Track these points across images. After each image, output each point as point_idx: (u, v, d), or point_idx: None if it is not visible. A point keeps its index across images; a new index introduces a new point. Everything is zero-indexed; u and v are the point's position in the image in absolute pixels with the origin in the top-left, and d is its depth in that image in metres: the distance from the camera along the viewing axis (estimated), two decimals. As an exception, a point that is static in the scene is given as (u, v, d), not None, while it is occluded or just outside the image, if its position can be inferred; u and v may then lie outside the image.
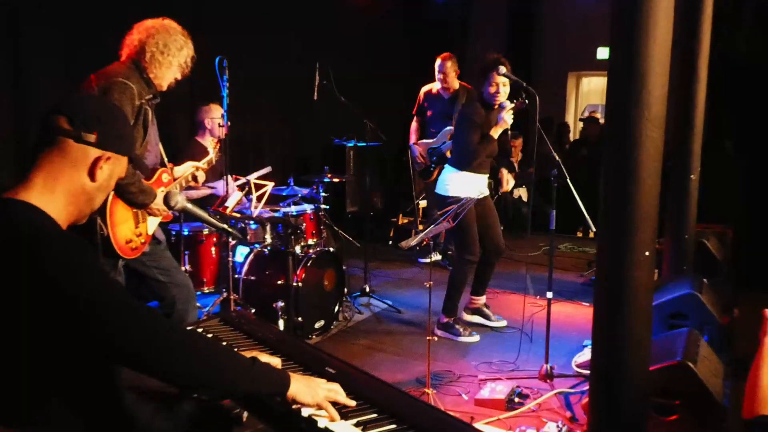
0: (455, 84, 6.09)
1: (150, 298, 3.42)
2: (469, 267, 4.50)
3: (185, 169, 3.57)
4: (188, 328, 2.12)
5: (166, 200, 2.33)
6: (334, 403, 1.75)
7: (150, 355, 1.54)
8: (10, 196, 1.58)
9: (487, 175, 4.59)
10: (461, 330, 4.49)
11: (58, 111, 1.62)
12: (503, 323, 4.74)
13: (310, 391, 1.73)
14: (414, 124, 6.27)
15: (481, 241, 4.50)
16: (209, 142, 4.91)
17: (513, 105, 4.33)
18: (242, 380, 1.65)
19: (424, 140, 6.14)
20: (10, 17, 4.18)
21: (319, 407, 1.73)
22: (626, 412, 2.51)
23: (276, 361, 1.94)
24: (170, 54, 3.12)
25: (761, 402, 2.20)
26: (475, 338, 4.49)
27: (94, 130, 1.62)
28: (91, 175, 1.63)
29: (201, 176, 3.62)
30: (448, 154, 5.97)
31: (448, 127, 5.84)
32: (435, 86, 6.20)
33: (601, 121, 9.70)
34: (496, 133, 4.35)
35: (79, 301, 1.47)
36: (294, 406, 1.73)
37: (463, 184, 4.42)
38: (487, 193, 4.58)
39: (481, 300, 4.82)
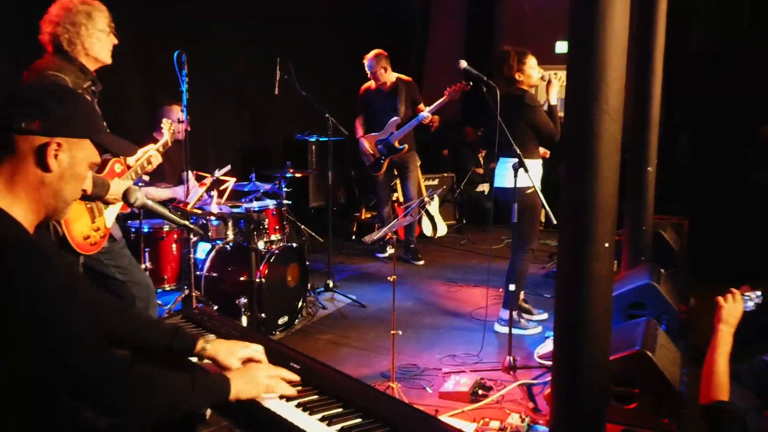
0: (391, 78, 6.21)
1: None
2: (525, 257, 4.42)
3: (139, 154, 3.42)
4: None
5: (126, 197, 2.28)
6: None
7: (96, 391, 1.51)
8: None
9: (541, 161, 4.59)
10: (523, 323, 4.45)
11: (1, 106, 1.55)
12: (545, 315, 4.70)
13: (253, 384, 1.74)
14: (358, 121, 6.37)
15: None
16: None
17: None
18: (186, 403, 1.63)
19: (372, 133, 6.26)
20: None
21: (267, 393, 1.76)
22: (587, 401, 2.54)
23: (262, 355, 1.94)
24: (83, 28, 2.97)
25: (717, 387, 2.27)
26: (538, 329, 4.47)
27: (36, 118, 1.53)
28: (44, 165, 1.54)
29: (156, 159, 3.47)
30: (397, 145, 6.07)
31: (394, 118, 6.07)
32: (373, 83, 6.30)
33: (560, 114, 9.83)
34: (553, 99, 4.44)
35: (28, 323, 1.43)
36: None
37: (533, 173, 4.19)
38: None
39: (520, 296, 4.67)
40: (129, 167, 3.36)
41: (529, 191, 4.13)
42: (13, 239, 1.49)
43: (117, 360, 1.59)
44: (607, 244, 2.42)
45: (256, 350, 1.93)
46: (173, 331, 1.98)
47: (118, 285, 3.26)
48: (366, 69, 6.18)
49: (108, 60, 3.10)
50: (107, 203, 3.15)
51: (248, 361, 1.90)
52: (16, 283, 1.43)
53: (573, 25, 2.46)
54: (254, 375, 1.77)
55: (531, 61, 4.48)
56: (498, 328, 4.45)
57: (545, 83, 4.52)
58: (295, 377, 1.83)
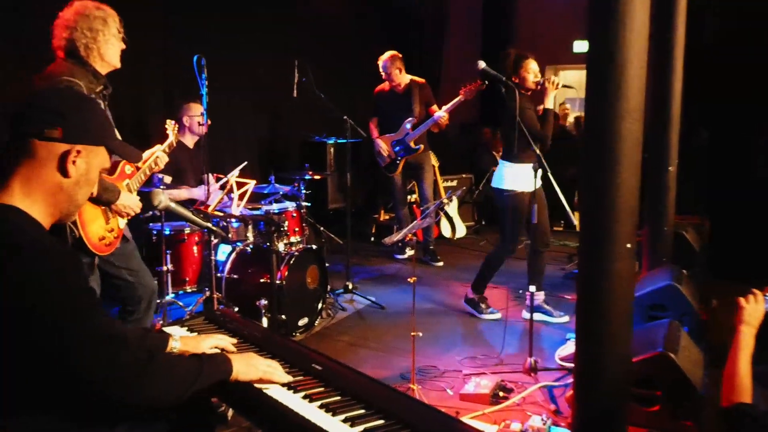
0: (404, 79, 6.24)
1: (115, 300, 3.38)
2: (506, 255, 4.70)
3: (146, 155, 3.51)
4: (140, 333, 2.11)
5: (149, 200, 2.31)
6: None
7: (108, 384, 1.54)
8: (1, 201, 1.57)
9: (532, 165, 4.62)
10: (483, 308, 4.81)
11: (21, 112, 1.60)
12: (566, 318, 4.76)
13: (251, 369, 1.84)
14: (372, 123, 6.39)
15: (532, 232, 4.57)
16: (189, 140, 4.88)
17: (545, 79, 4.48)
18: (195, 384, 1.70)
19: (387, 134, 6.27)
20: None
21: (262, 380, 1.84)
22: (609, 403, 2.53)
23: (229, 345, 2.07)
24: (100, 34, 3.03)
25: (738, 390, 2.24)
26: (497, 315, 4.73)
27: (58, 126, 1.58)
28: (63, 171, 1.60)
29: (163, 159, 3.55)
30: (413, 145, 6.10)
31: (410, 119, 6.12)
32: (387, 84, 6.32)
33: (577, 114, 9.79)
34: (549, 103, 4.49)
35: (41, 317, 1.47)
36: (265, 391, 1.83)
37: (518, 177, 4.52)
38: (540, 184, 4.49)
39: (541, 296, 4.79)
40: (138, 168, 3.42)
41: (509, 194, 4.46)
42: (33, 237, 1.54)
43: (136, 354, 1.64)
44: (628, 245, 2.40)
45: (221, 339, 2.08)
46: (143, 333, 2.06)
47: (127, 286, 3.30)
48: (381, 70, 6.21)
49: (118, 64, 3.16)
50: (116, 212, 3.18)
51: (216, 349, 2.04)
52: (38, 280, 1.47)
53: (592, 23, 2.45)
54: (253, 361, 1.87)
55: (530, 65, 4.55)
56: (463, 305, 4.91)
57: (550, 86, 4.49)
58: (288, 378, 1.90)
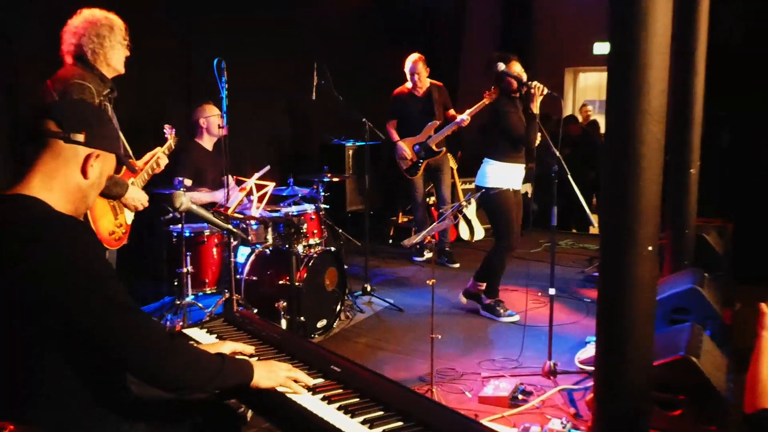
0: (427, 83, 6.25)
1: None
2: (505, 252, 4.76)
3: (147, 157, 3.70)
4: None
5: (171, 202, 2.34)
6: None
7: (139, 355, 1.62)
8: (18, 192, 1.65)
9: (524, 165, 4.75)
10: (501, 311, 4.80)
11: (46, 114, 1.70)
12: (516, 318, 4.85)
13: (272, 375, 1.84)
14: (390, 125, 6.38)
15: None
16: (207, 142, 4.90)
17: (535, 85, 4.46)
18: (216, 378, 1.74)
19: (409, 137, 6.26)
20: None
21: (281, 387, 1.85)
22: (630, 407, 2.51)
23: (248, 349, 2.07)
24: (107, 40, 3.20)
25: (762, 395, 2.20)
26: (515, 317, 4.75)
27: (82, 131, 1.70)
28: (84, 172, 1.71)
29: (163, 160, 3.74)
30: (435, 148, 6.11)
31: (432, 121, 6.14)
32: (407, 84, 6.31)
33: (595, 116, 9.72)
34: (535, 108, 4.46)
35: (79, 291, 1.55)
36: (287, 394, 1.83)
37: (503, 175, 4.63)
38: (521, 185, 4.77)
39: (483, 286, 4.99)
40: (141, 169, 3.59)
41: (495, 191, 4.56)
42: (57, 215, 1.64)
43: (161, 330, 1.73)
44: (650, 248, 2.38)
45: (239, 345, 2.09)
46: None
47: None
48: (406, 72, 6.20)
49: (123, 70, 3.32)
50: (125, 206, 3.34)
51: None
52: (64, 262, 1.55)
53: (613, 24, 2.43)
54: (275, 368, 1.88)
55: (514, 67, 4.58)
56: (482, 312, 4.89)
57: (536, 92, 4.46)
58: (312, 381, 1.90)
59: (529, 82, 4.44)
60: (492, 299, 4.86)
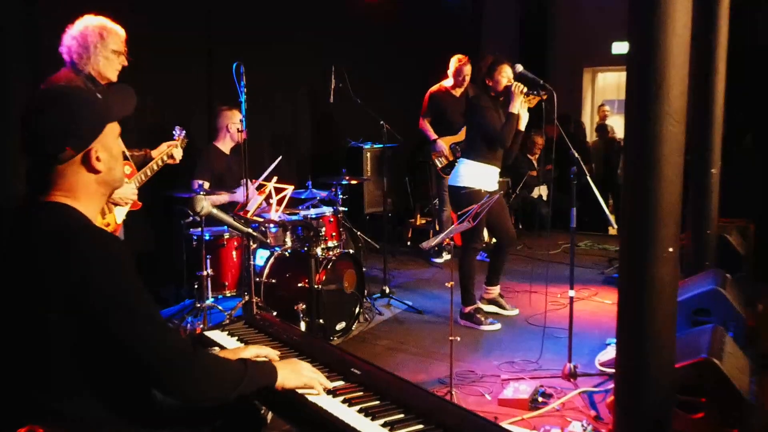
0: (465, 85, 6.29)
1: None
2: (474, 254, 4.74)
3: (160, 151, 3.75)
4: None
5: (193, 206, 2.36)
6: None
7: (163, 370, 1.62)
8: (51, 200, 1.64)
9: (499, 169, 4.70)
10: (482, 319, 4.68)
11: (28, 148, 1.64)
12: (516, 311, 4.94)
13: (297, 375, 1.85)
14: (425, 123, 6.34)
15: (494, 233, 4.79)
16: (226, 146, 4.94)
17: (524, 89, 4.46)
18: (240, 386, 1.73)
19: (447, 136, 6.23)
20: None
21: (306, 387, 1.85)
22: (652, 409, 2.49)
23: (273, 353, 2.04)
24: (92, 48, 3.23)
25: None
26: (496, 326, 4.65)
27: (65, 146, 1.62)
28: (92, 170, 1.67)
29: (178, 154, 3.83)
30: None
31: None
32: (446, 83, 6.30)
33: (613, 116, 9.67)
34: (514, 108, 4.45)
35: (110, 301, 1.55)
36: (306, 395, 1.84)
37: (476, 175, 4.58)
38: (497, 187, 4.71)
39: (496, 290, 4.97)
40: (146, 165, 3.64)
41: (468, 191, 4.51)
42: (83, 226, 1.63)
43: (184, 343, 1.71)
44: (671, 249, 2.37)
45: (262, 348, 2.07)
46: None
47: None
48: (450, 72, 6.19)
49: (113, 78, 3.34)
50: (115, 204, 3.37)
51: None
52: (96, 267, 1.55)
53: (633, 24, 2.42)
54: (298, 368, 1.88)
55: (504, 71, 4.55)
56: (459, 321, 4.72)
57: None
58: (330, 384, 1.90)
59: (509, 84, 4.47)
60: (470, 307, 4.71)
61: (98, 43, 3.24)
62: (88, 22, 3.26)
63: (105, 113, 1.73)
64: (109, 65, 3.30)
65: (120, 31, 3.34)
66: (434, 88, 6.37)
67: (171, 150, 3.79)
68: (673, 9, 2.29)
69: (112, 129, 1.73)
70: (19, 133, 1.65)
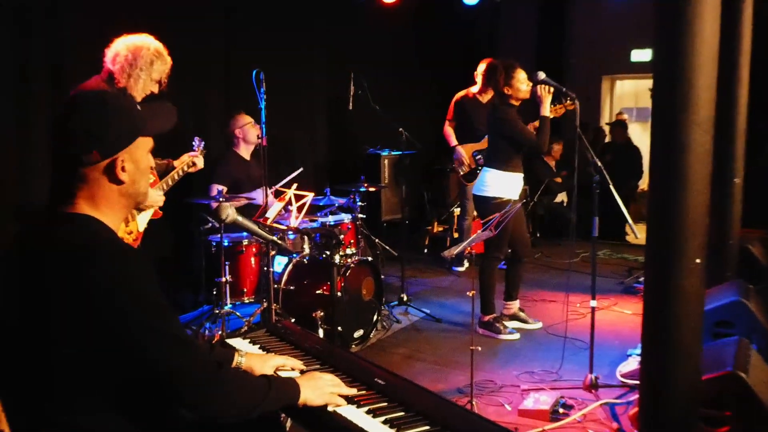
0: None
1: None
2: (496, 263, 4.68)
3: (182, 161, 3.81)
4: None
5: (217, 214, 2.36)
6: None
7: (188, 388, 1.60)
8: (75, 212, 1.63)
9: (522, 174, 4.68)
10: (501, 328, 4.64)
11: (55, 149, 1.65)
12: (539, 325, 4.85)
13: (319, 392, 1.83)
14: (449, 129, 6.23)
15: (511, 242, 4.64)
16: (244, 151, 4.96)
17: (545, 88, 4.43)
18: (263, 404, 1.72)
19: (468, 143, 6.11)
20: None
21: (328, 404, 1.83)
22: (676, 422, 2.46)
23: (298, 364, 2.05)
24: (138, 68, 3.25)
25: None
26: (515, 336, 4.61)
27: (93, 149, 1.60)
28: (116, 181, 1.64)
29: (200, 162, 3.91)
30: None
31: None
32: (472, 90, 6.19)
33: (631, 124, 9.60)
34: (545, 111, 4.43)
35: (129, 321, 1.53)
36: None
37: (504, 184, 4.54)
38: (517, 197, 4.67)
39: (515, 305, 4.89)
40: (168, 173, 3.69)
41: (496, 201, 4.44)
42: (111, 243, 1.61)
43: (209, 362, 1.69)
44: (698, 260, 2.34)
45: (288, 358, 2.06)
46: (209, 347, 2.08)
47: None
48: (482, 78, 6.01)
49: (138, 99, 3.35)
50: (140, 209, 3.41)
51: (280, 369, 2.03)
52: (121, 282, 1.53)
53: (659, 30, 2.40)
54: (321, 384, 1.86)
55: (520, 75, 4.49)
56: (478, 330, 4.65)
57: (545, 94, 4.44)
58: (352, 391, 1.89)
59: (535, 87, 4.42)
60: (489, 315, 4.69)
61: (147, 66, 3.27)
62: (148, 43, 3.29)
63: (140, 125, 1.71)
64: (144, 88, 3.32)
65: (169, 61, 3.37)
66: (460, 93, 6.24)
67: (193, 159, 3.84)
68: (701, 14, 2.27)
69: (145, 143, 1.71)
70: (49, 133, 1.65)
